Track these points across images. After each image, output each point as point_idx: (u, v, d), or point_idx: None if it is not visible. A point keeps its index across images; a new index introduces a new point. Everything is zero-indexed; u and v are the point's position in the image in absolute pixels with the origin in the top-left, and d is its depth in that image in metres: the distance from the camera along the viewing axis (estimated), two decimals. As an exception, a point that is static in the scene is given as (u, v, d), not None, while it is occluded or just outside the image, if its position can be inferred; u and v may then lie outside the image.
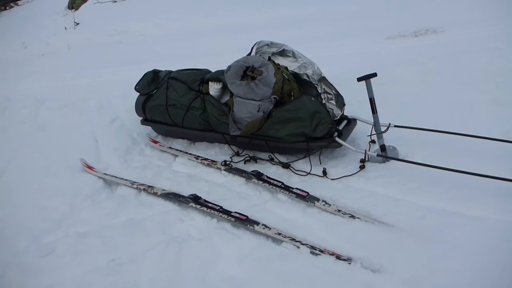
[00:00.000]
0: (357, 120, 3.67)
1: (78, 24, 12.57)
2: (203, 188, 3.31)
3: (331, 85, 3.74)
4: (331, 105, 3.71)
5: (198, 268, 2.46)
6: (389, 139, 3.38)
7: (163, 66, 4.46)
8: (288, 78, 3.61)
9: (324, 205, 2.90)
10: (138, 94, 4.15)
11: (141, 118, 4.22)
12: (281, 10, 10.27)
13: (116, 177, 3.54)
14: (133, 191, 3.35)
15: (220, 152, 3.85)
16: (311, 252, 2.49)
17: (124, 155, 3.98)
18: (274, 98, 3.42)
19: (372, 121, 3.36)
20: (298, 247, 2.53)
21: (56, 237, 2.88)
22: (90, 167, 3.70)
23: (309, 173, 3.36)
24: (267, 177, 3.29)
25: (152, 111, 4.03)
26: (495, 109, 3.82)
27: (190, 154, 3.85)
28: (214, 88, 3.73)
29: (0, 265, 2.63)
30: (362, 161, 3.32)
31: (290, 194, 3.06)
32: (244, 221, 2.79)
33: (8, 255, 2.72)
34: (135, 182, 3.43)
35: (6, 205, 3.31)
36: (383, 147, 3.32)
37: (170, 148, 4.01)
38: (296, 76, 3.77)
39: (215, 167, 3.59)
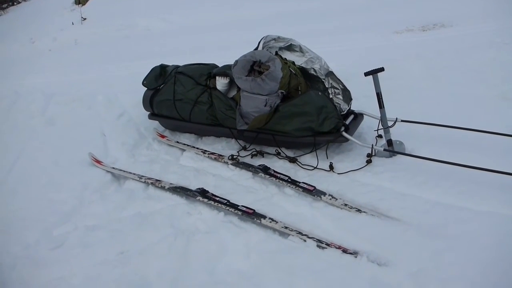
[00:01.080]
0: (364, 115, 3.67)
1: (85, 19, 12.61)
2: (210, 182, 3.33)
3: (338, 79, 3.74)
4: (338, 99, 3.71)
5: (205, 261, 2.48)
6: (396, 133, 3.38)
7: (170, 61, 4.47)
8: (295, 72, 3.61)
9: (330, 199, 2.92)
10: (146, 89, 4.17)
11: (149, 112, 4.24)
12: (288, 4, 10.26)
13: (124, 171, 3.56)
14: (141, 185, 3.37)
15: (227, 147, 3.87)
16: (318, 246, 2.50)
17: (132, 149, 4.01)
18: (281, 92, 3.43)
19: (379, 115, 3.36)
20: (305, 241, 2.55)
21: (65, 230, 2.91)
22: (98, 161, 3.73)
23: (315, 168, 3.37)
24: (274, 171, 3.30)
25: (160, 106, 4.05)
26: (502, 104, 3.82)
27: (197, 148, 3.87)
28: (221, 83, 3.74)
29: (11, 257, 2.67)
30: (369, 155, 3.33)
31: (297, 188, 3.08)
32: (251, 214, 2.81)
33: (18, 248, 2.75)
34: (143, 176, 3.45)
35: (16, 198, 3.34)
36: (390, 142, 3.32)
37: (177, 142, 4.03)
38: (303, 70, 3.77)
39: (222, 161, 3.61)
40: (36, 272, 2.56)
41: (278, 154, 3.60)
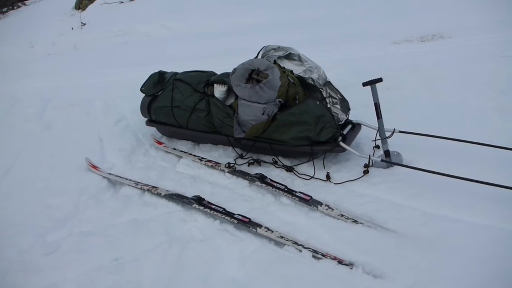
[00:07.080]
0: (362, 125, 3.67)
1: (84, 24, 12.64)
2: (206, 190, 3.32)
3: (336, 89, 3.74)
4: (336, 109, 3.71)
5: (200, 269, 2.47)
6: (393, 144, 3.38)
7: (168, 68, 4.47)
8: (293, 81, 3.61)
9: (327, 209, 2.91)
10: (144, 95, 4.16)
11: (146, 119, 4.23)
12: (287, 13, 10.28)
13: (120, 177, 3.55)
14: (137, 191, 3.36)
15: (224, 154, 3.86)
16: (313, 256, 2.49)
17: (129, 155, 4.00)
18: (279, 101, 3.43)
19: (377, 126, 3.36)
20: (300, 251, 2.54)
21: (60, 235, 2.89)
22: (95, 167, 3.72)
23: (312, 177, 3.36)
24: (271, 180, 3.29)
25: (157, 112, 4.05)
26: (500, 117, 3.82)
27: (194, 155, 3.86)
28: (219, 91, 3.74)
29: (4, 262, 2.65)
30: (366, 166, 3.33)
31: (293, 197, 3.07)
32: (246, 223, 2.80)
33: (12, 253, 2.73)
34: (139, 182, 3.44)
35: (11, 203, 3.32)
36: (387, 153, 3.32)
37: (174, 149, 4.02)
38: (301, 80, 3.77)
39: (219, 169, 3.60)
40: (29, 277, 2.53)
41: (275, 163, 3.59)
